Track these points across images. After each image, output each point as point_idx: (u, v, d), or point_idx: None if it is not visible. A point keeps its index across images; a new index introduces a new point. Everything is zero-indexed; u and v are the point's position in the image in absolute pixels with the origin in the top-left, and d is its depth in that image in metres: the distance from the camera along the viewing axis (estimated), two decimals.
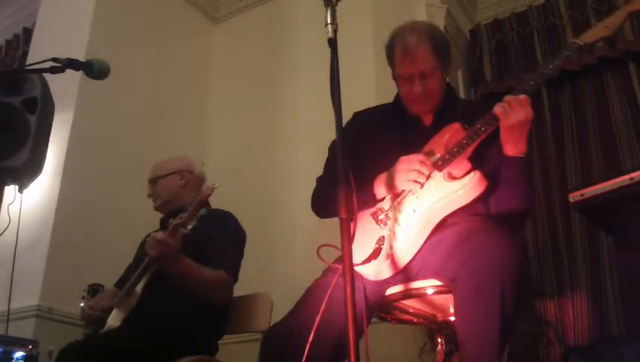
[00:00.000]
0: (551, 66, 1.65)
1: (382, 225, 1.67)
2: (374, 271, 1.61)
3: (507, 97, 1.61)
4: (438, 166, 1.65)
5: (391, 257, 1.59)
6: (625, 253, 2.75)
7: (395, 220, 1.64)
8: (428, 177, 1.63)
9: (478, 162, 1.65)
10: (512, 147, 1.62)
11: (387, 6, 3.25)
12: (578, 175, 3.12)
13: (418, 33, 1.79)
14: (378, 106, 2.04)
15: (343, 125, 1.32)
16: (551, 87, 3.40)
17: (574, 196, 1.38)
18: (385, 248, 1.61)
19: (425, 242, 1.60)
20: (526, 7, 3.61)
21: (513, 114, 1.58)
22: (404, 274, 1.63)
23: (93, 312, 2.23)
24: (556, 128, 3.30)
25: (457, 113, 1.79)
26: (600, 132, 3.15)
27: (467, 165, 1.64)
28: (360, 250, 1.58)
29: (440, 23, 3.37)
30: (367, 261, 1.60)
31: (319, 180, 1.94)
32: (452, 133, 1.70)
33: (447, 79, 1.95)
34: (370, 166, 1.75)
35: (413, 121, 1.87)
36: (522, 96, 1.60)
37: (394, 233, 1.62)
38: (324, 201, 1.87)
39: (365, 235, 1.64)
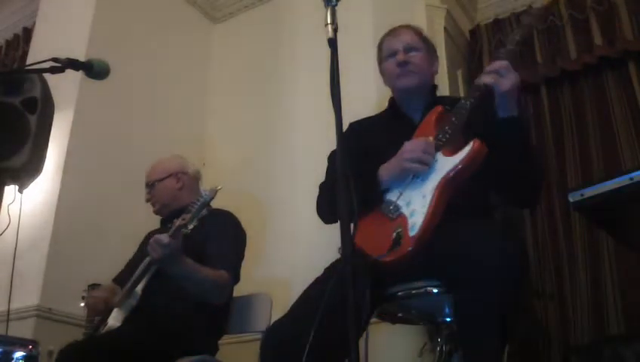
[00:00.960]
0: (520, 32, 1.76)
1: (395, 215, 1.65)
2: (397, 259, 1.57)
3: (492, 65, 1.68)
4: (437, 146, 1.67)
5: (414, 241, 1.56)
6: (625, 253, 2.76)
7: (408, 206, 1.63)
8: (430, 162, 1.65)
9: (471, 135, 1.66)
10: (508, 110, 1.67)
11: (387, 6, 3.25)
12: (578, 175, 3.12)
13: (405, 26, 1.99)
14: (372, 116, 2.09)
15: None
16: (551, 87, 3.39)
17: (574, 196, 1.37)
18: (404, 235, 1.59)
19: (436, 229, 1.59)
20: (526, 7, 3.60)
21: (505, 79, 1.64)
22: (407, 271, 1.62)
23: (96, 300, 2.22)
24: (556, 128, 3.29)
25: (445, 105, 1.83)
26: (600, 132, 3.15)
27: (462, 139, 1.66)
28: (377, 244, 1.58)
29: (440, 23, 3.37)
30: (390, 251, 1.57)
31: (321, 187, 1.95)
32: (436, 115, 1.76)
33: (438, 84, 2.01)
34: (367, 170, 1.76)
35: (403, 120, 1.92)
36: (504, 62, 1.66)
37: (410, 219, 1.61)
38: (326, 208, 1.88)
39: (380, 230, 1.63)
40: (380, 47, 2.01)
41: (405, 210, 1.63)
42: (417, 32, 1.98)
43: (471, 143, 1.60)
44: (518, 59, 1.82)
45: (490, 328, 1.41)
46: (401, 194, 1.67)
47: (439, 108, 1.77)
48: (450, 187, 1.61)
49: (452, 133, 1.67)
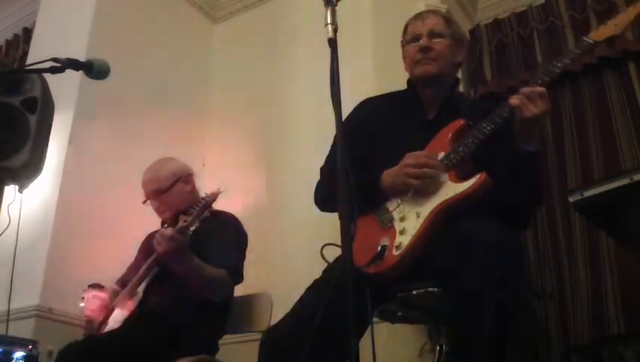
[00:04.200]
0: (559, 64, 1.66)
1: (386, 226, 1.64)
2: (377, 274, 1.58)
3: (525, 89, 1.59)
4: (444, 166, 1.63)
5: (394, 261, 1.57)
6: (625, 253, 2.75)
7: (401, 221, 1.62)
8: (434, 176, 1.61)
9: (481, 160, 1.62)
10: (527, 141, 1.60)
11: (387, 6, 3.25)
12: (578, 175, 3.11)
13: (433, 11, 1.94)
14: (387, 94, 2.02)
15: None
16: (551, 87, 3.36)
17: (574, 196, 1.37)
18: (388, 251, 1.58)
19: (429, 243, 1.59)
20: (526, 7, 3.61)
21: (531, 106, 1.56)
22: (406, 273, 1.62)
23: (92, 327, 2.23)
24: (556, 128, 3.29)
25: (464, 108, 1.78)
26: (600, 132, 3.14)
27: (470, 164, 1.62)
28: (364, 251, 1.57)
29: None
30: (371, 264, 1.57)
31: (322, 170, 1.93)
32: (456, 130, 1.69)
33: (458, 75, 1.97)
34: (374, 156, 1.75)
35: (416, 113, 1.86)
36: (540, 88, 1.58)
37: (398, 236, 1.60)
38: (326, 193, 1.85)
39: (369, 236, 1.63)
40: (405, 29, 1.93)
41: (397, 225, 1.62)
42: (446, 18, 1.91)
43: (477, 176, 1.55)
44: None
45: (490, 329, 1.40)
46: (398, 205, 1.64)
47: (461, 122, 1.69)
48: (446, 214, 1.58)
49: (464, 155, 1.61)
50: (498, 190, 1.57)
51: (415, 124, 1.83)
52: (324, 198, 1.87)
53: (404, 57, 1.93)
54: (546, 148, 3.26)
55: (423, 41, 1.82)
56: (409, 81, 1.93)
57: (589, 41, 1.65)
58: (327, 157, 1.92)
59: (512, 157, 1.62)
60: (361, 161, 1.61)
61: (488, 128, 1.60)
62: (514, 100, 1.58)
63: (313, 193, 1.92)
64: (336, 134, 1.83)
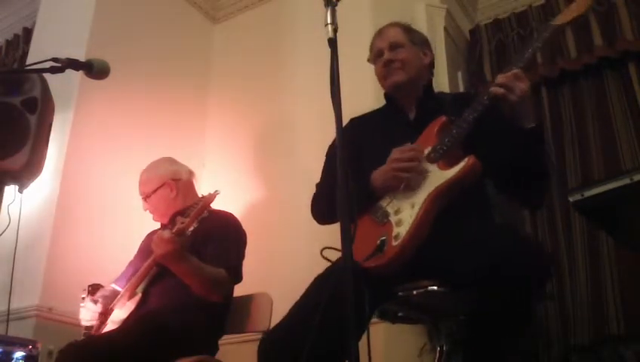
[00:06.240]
0: (530, 50, 1.73)
1: (383, 222, 1.65)
2: (378, 267, 1.59)
3: (501, 76, 1.66)
4: (431, 158, 1.66)
5: (394, 251, 1.57)
6: (625, 253, 2.75)
7: (396, 213, 1.64)
8: (422, 169, 1.64)
9: (472, 149, 1.64)
10: (523, 119, 1.66)
11: (387, 6, 3.24)
12: (578, 175, 3.11)
13: (391, 24, 2.00)
14: (372, 111, 2.08)
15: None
16: (550, 87, 3.39)
17: (574, 196, 1.38)
18: (388, 243, 1.60)
19: (429, 237, 1.59)
20: (526, 7, 3.60)
21: (517, 89, 1.62)
22: (408, 271, 1.62)
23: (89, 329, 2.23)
24: (556, 128, 3.29)
25: (446, 104, 1.81)
26: (600, 132, 3.14)
27: (459, 152, 1.64)
28: (362, 248, 1.58)
29: (440, 23, 3.36)
30: (371, 257, 1.58)
31: (318, 186, 1.95)
32: (440, 125, 1.73)
33: (435, 78, 2.01)
34: (364, 168, 1.76)
35: (398, 116, 1.92)
36: (515, 71, 1.65)
37: (395, 228, 1.61)
38: (323, 206, 1.88)
39: (366, 233, 1.64)
40: (370, 48, 2.01)
41: (393, 218, 1.64)
42: (403, 27, 1.98)
43: (465, 159, 1.60)
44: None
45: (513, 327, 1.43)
46: (391, 201, 1.67)
47: (443, 118, 1.74)
48: (441, 200, 1.60)
49: (450, 145, 1.65)
50: (506, 170, 1.65)
51: (398, 127, 1.89)
52: (321, 211, 1.91)
53: (376, 75, 2.00)
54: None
55: (385, 56, 1.92)
56: (385, 96, 2.00)
57: (555, 24, 1.73)
58: (322, 172, 1.94)
59: (514, 136, 1.66)
60: (356, 178, 1.63)
61: (471, 117, 1.66)
62: (497, 90, 1.64)
63: (310, 205, 1.95)
64: (328, 150, 1.88)
